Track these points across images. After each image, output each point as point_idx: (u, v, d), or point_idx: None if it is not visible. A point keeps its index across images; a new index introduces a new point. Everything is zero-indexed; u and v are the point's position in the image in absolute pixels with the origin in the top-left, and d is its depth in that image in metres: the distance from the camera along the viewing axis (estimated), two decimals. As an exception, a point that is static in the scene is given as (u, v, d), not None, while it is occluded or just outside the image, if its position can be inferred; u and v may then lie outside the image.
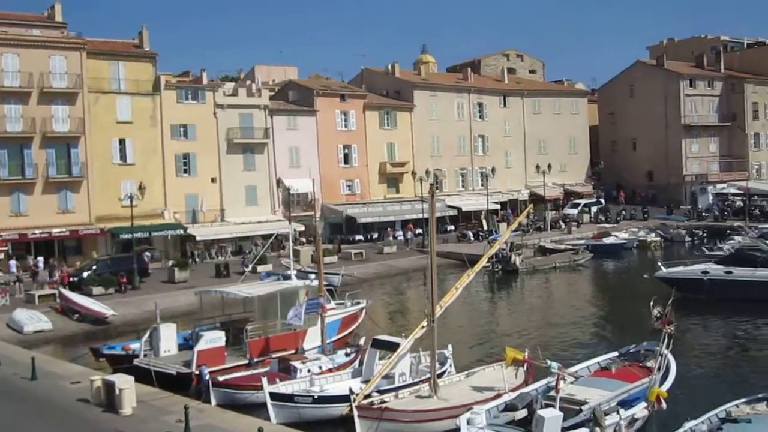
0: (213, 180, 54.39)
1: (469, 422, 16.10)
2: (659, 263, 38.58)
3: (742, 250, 41.71)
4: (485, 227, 61.03)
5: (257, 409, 19.29)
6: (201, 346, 23.38)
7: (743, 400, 17.09)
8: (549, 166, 67.90)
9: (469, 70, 75.10)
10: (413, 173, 61.52)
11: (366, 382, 20.03)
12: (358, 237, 59.16)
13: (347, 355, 24.04)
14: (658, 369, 18.77)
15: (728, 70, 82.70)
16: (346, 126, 62.06)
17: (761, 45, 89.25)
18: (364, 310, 30.89)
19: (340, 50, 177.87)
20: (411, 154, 65.45)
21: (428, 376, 19.74)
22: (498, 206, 66.63)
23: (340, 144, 61.62)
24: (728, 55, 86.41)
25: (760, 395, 17.28)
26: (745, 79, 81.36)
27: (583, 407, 16.97)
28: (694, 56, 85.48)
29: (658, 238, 60.65)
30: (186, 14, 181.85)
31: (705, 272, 36.09)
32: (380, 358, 21.26)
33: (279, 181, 56.18)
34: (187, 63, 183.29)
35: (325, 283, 28.10)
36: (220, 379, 21.55)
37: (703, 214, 69.69)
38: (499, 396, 18.14)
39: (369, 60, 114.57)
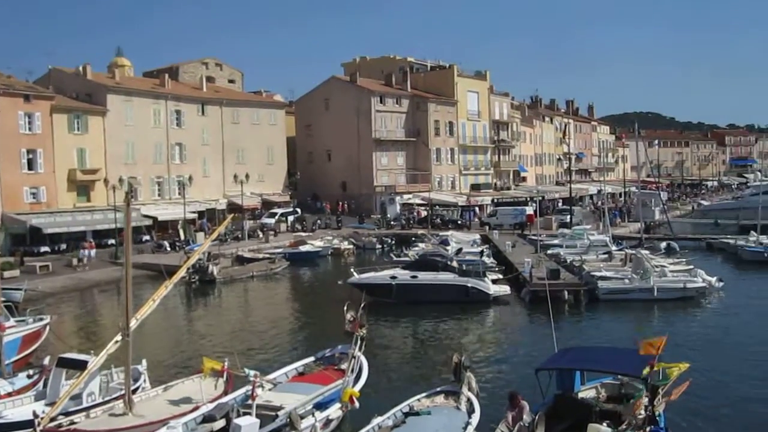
0: None
1: (165, 437, 15.62)
2: (352, 270, 40.32)
3: (425, 255, 45.03)
4: (182, 237, 59.77)
5: None
6: None
7: (424, 394, 18.33)
8: (247, 176, 68.30)
9: (166, 76, 73.13)
10: (106, 181, 58.46)
11: (52, 404, 18.54)
12: (45, 248, 54.83)
13: (29, 377, 22.06)
14: (352, 371, 19.55)
15: (414, 89, 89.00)
16: (30, 129, 57.31)
17: (442, 68, 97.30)
18: (48, 327, 28.64)
19: (26, 47, 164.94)
20: (104, 160, 62.21)
21: (121, 393, 18.79)
22: (196, 215, 65.61)
23: (24, 148, 56.78)
24: (414, 75, 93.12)
25: (438, 388, 18.64)
26: (428, 98, 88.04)
27: (279, 413, 17.18)
28: (384, 75, 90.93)
29: (351, 246, 63.51)
30: None
31: (393, 277, 38.34)
32: (68, 378, 19.80)
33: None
34: None
35: (4, 299, 25.73)
36: None
37: (392, 222, 74.25)
38: (197, 408, 17.75)
39: (59, 60, 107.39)
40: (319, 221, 72.75)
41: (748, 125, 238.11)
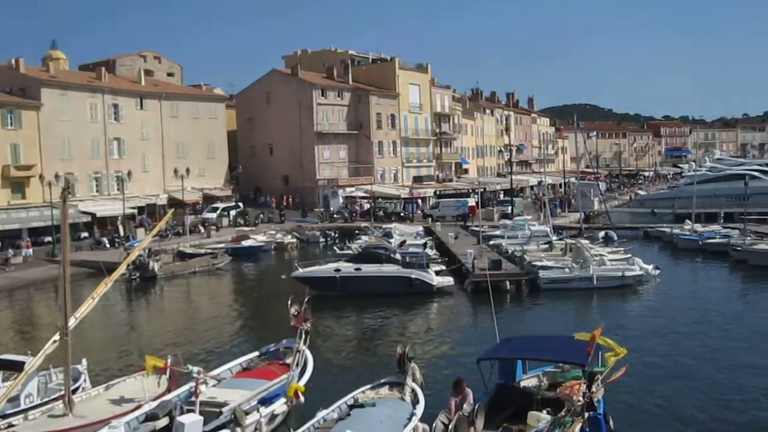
0: None
1: (107, 437, 15.38)
2: (296, 263, 40.24)
3: (369, 248, 45.17)
4: (122, 233, 58.80)
5: None
6: None
7: (369, 386, 18.39)
8: (188, 171, 67.55)
9: (103, 69, 71.74)
10: (41, 177, 57.17)
11: (-12, 407, 18.06)
12: (-24, 248, 53.36)
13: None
14: (297, 365, 19.51)
15: (356, 82, 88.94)
16: (-40, 124, 55.82)
17: (383, 61, 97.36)
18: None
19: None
20: (39, 156, 60.76)
21: (60, 393, 18.42)
22: (135, 211, 64.61)
23: (-46, 144, 55.30)
24: (355, 68, 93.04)
25: (382, 380, 18.71)
26: (370, 91, 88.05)
27: (223, 409, 17.06)
28: (325, 68, 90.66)
29: (295, 240, 63.29)
30: None
31: (337, 270, 38.33)
32: (4, 380, 19.33)
33: None
34: None
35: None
36: None
37: (335, 216, 74.15)
38: (139, 407, 17.51)
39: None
40: (261, 215, 72.28)
41: (682, 117, 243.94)
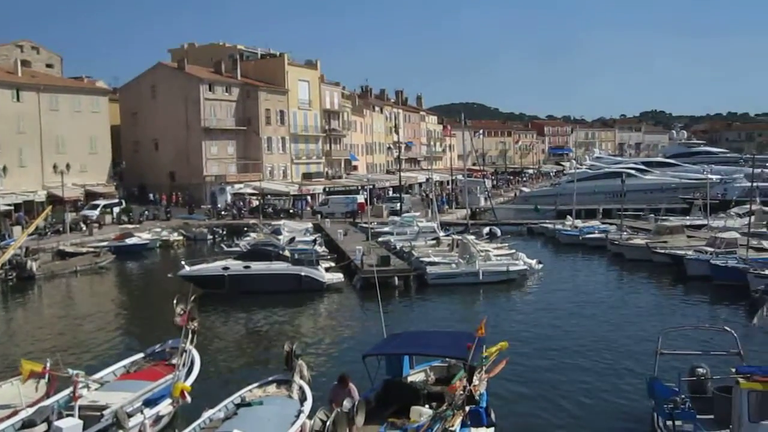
0: None
1: (-21, 446, 14.72)
2: (182, 262, 39.47)
3: (257, 245, 44.72)
4: (-3, 232, 56.16)
5: None
6: None
7: (256, 384, 18.22)
8: (68, 166, 65.19)
9: (-25, 59, 68.27)
10: None
11: None
12: None
13: None
14: (183, 365, 19.19)
15: (244, 77, 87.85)
16: None
17: (273, 56, 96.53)
18: None
19: None
20: None
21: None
22: (12, 208, 61.79)
23: None
24: (244, 63, 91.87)
25: (270, 378, 18.58)
26: (259, 87, 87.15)
27: (104, 412, 16.59)
28: (213, 62, 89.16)
29: (181, 237, 62.06)
30: None
31: (225, 268, 37.86)
32: None
33: None
34: None
35: None
36: None
37: (222, 212, 73.04)
38: (15, 413, 16.80)
39: None
40: (147, 212, 70.39)
41: (564, 116, 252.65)
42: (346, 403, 15.31)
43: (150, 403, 17.62)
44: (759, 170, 77.48)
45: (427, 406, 15.99)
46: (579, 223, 60.59)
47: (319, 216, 71.18)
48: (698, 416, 15.19)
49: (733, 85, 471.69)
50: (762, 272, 34.42)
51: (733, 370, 15.01)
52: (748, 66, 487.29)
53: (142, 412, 16.71)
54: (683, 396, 15.72)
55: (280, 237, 50.57)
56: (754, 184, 55.56)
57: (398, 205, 73.86)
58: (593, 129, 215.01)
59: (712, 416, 16.06)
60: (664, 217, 61.10)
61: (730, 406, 14.78)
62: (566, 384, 21.71)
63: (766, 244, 43.98)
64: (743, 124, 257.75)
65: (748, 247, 39.91)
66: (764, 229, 49.07)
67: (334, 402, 15.68)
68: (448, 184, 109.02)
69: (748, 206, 50.71)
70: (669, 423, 14.76)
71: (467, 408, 15.17)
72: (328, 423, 14.18)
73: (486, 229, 57.06)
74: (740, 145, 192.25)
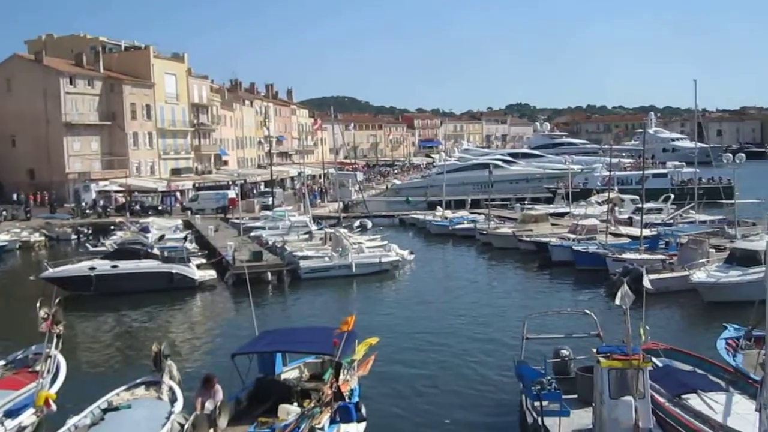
0: None
1: None
2: (45, 263, 37.79)
3: (125, 244, 43.38)
4: None
5: None
6: None
7: (124, 387, 17.72)
8: None
9: None
10: None
11: None
12: None
13: None
14: (48, 372, 18.47)
15: (107, 70, 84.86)
16: None
17: (137, 49, 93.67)
18: None
19: None
20: None
21: None
22: None
23: None
24: (107, 56, 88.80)
25: (138, 380, 18.12)
26: (123, 80, 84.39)
27: (-40, 426, 15.82)
28: (74, 54, 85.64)
29: (43, 238, 59.38)
30: None
31: (92, 268, 36.55)
32: None
33: None
34: None
35: None
36: None
37: (87, 211, 70.37)
38: None
39: None
40: (5, 212, 66.91)
41: (433, 109, 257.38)
42: (209, 405, 15.17)
43: (11, 413, 16.83)
44: (616, 160, 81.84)
45: (296, 404, 15.96)
46: (449, 213, 62.05)
47: (189, 212, 69.77)
48: (564, 396, 15.96)
49: (592, 79, 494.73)
50: (619, 256, 36.40)
51: (594, 350, 15.79)
52: (604, 60, 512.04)
53: (2, 424, 15.98)
54: (549, 377, 16.47)
55: (149, 235, 49.27)
56: (612, 173, 58.53)
57: (270, 199, 73.39)
58: (462, 122, 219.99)
59: (575, 395, 16.98)
60: (529, 206, 63.41)
61: (592, 385, 15.61)
62: (438, 374, 22.27)
63: (623, 229, 46.56)
64: (602, 116, 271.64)
65: (607, 233, 42.16)
66: (624, 216, 52.00)
67: (196, 404, 15.51)
68: (320, 177, 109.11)
69: (606, 194, 53.32)
70: (536, 404, 15.43)
71: (335, 404, 15.31)
72: (186, 426, 13.98)
73: (356, 222, 57.60)
74: (599, 136, 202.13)
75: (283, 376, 18.10)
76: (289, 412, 15.32)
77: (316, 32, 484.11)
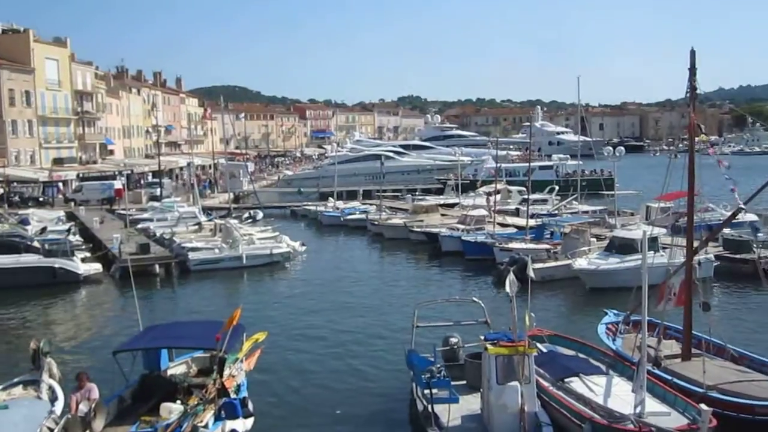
0: None
1: None
2: None
3: (2, 237, 41.42)
4: None
5: None
6: None
7: (0, 386, 17.09)
8: None
9: None
10: None
11: None
12: None
13: None
14: None
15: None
16: None
17: (16, 32, 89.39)
18: None
19: None
20: None
21: None
22: None
23: None
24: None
25: (15, 380, 17.42)
26: (1, 65, 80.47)
27: None
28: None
29: None
30: None
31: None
32: None
33: None
34: None
35: None
36: None
37: (-38, 203, 66.87)
38: None
39: None
40: None
41: (326, 100, 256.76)
42: (83, 407, 14.66)
43: None
44: (504, 152, 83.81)
45: (180, 401, 15.49)
46: (341, 204, 62.17)
47: (72, 203, 67.36)
48: (453, 382, 16.27)
49: (480, 72, 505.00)
50: (506, 246, 37.31)
51: (482, 337, 16.12)
52: (492, 55, 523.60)
53: None
54: (438, 365, 16.74)
55: (29, 227, 47.19)
56: (499, 165, 59.76)
57: (158, 190, 71.63)
58: (354, 113, 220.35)
59: (464, 382, 17.32)
60: (420, 197, 64.23)
61: (480, 371, 15.95)
62: (329, 365, 22.27)
63: (510, 220, 47.75)
64: (490, 109, 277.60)
65: (494, 223, 43.14)
66: (509, 207, 53.32)
67: (70, 405, 14.99)
68: (210, 168, 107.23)
69: (494, 185, 54.53)
70: (426, 391, 15.65)
71: (220, 401, 15.06)
72: (56, 430, 13.48)
73: (246, 214, 56.94)
74: (488, 128, 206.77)
75: (169, 372, 17.65)
76: (172, 410, 14.85)
77: (207, 21, 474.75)
